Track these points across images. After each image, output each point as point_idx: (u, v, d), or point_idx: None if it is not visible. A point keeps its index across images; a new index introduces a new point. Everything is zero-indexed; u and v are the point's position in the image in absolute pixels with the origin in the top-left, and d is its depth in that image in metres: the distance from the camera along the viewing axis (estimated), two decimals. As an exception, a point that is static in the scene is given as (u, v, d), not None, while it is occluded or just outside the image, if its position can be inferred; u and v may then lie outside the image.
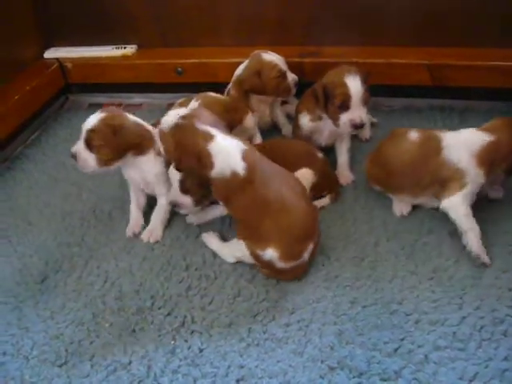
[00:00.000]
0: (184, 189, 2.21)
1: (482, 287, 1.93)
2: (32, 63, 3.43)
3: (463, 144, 2.16)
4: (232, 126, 2.50)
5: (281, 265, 1.96)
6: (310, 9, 3.06)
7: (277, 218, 1.93)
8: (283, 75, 2.69)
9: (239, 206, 1.99)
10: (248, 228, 2.02)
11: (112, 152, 2.22)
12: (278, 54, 2.74)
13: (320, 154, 2.46)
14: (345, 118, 2.39)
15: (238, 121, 2.60)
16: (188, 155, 1.94)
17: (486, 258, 2.03)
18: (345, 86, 2.35)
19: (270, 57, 2.70)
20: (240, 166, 1.92)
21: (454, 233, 2.15)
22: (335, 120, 2.43)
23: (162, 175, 2.34)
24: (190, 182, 2.18)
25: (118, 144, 2.21)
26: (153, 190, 2.40)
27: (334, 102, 2.39)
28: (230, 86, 2.80)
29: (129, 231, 2.39)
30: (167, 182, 2.33)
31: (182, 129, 1.97)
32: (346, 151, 2.62)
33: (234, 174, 1.91)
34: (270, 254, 1.94)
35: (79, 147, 2.20)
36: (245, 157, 1.94)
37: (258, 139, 2.75)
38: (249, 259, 2.04)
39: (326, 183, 2.41)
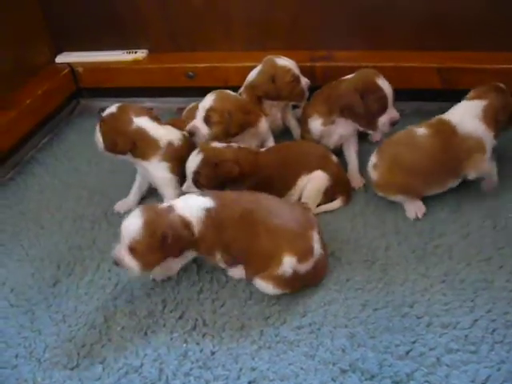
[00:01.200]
0: (196, 181, 2.27)
1: (493, 290, 1.93)
2: (43, 68, 3.45)
3: (468, 114, 2.30)
4: (243, 128, 2.52)
5: (303, 267, 1.93)
6: (320, 13, 3.06)
7: (265, 228, 1.94)
8: (297, 79, 2.69)
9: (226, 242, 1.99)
10: (252, 261, 1.99)
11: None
12: (290, 58, 2.74)
13: (334, 157, 2.47)
14: (384, 118, 2.44)
15: (251, 123, 2.60)
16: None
17: None
18: (380, 88, 2.40)
19: (284, 61, 2.70)
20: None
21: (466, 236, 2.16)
22: (372, 124, 2.47)
23: (167, 179, 2.39)
24: (205, 174, 2.24)
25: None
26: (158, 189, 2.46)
27: (371, 108, 2.42)
28: (241, 90, 2.80)
29: (117, 206, 2.53)
30: (173, 185, 2.39)
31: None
32: (355, 154, 2.63)
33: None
34: (289, 261, 1.90)
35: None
36: None
37: (271, 143, 2.74)
38: (274, 292, 1.98)
39: (339, 186, 2.41)
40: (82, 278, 2.19)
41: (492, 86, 2.39)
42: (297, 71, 2.71)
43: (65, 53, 3.56)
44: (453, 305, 1.89)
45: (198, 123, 2.49)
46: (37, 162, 3.04)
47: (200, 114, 2.50)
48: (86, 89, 3.58)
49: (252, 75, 2.76)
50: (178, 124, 2.54)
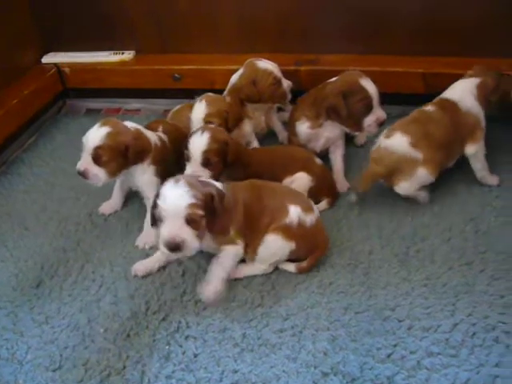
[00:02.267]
0: (207, 163, 2.27)
1: (474, 294, 1.95)
2: (30, 68, 3.44)
3: (466, 92, 2.44)
4: (230, 129, 2.53)
5: (308, 219, 2.07)
6: (308, 17, 3.07)
7: (270, 189, 2.14)
8: (278, 82, 2.71)
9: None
10: (260, 223, 2.06)
11: (120, 165, 2.26)
12: (276, 61, 2.75)
13: (318, 160, 2.51)
14: (369, 119, 2.47)
15: (237, 124, 2.62)
16: None
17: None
18: (364, 89, 2.43)
19: (265, 64, 2.72)
20: None
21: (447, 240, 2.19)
22: (358, 125, 2.50)
23: (152, 181, 2.38)
24: (215, 151, 2.25)
25: (130, 156, 2.25)
26: (140, 192, 2.44)
27: (356, 109, 2.45)
28: (225, 93, 2.81)
29: (101, 209, 2.55)
30: (156, 187, 2.38)
31: None
32: (341, 158, 2.64)
33: None
34: (295, 210, 2.05)
35: (86, 163, 2.22)
36: None
37: (255, 145, 2.76)
38: (282, 252, 2.07)
39: (324, 188, 2.43)
40: (66, 279, 2.19)
41: (488, 67, 2.52)
42: (278, 74, 2.73)
43: (51, 53, 3.55)
44: (434, 308, 1.91)
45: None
46: (22, 163, 3.03)
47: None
48: (73, 89, 3.57)
49: (234, 78, 2.78)
50: (152, 127, 2.53)
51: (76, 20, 3.41)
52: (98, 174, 2.22)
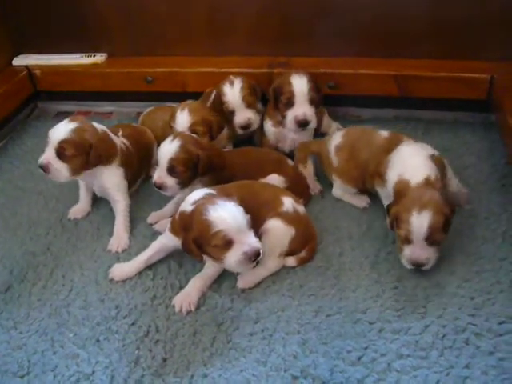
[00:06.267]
0: (172, 171, 2.24)
1: (445, 296, 1.96)
2: (0, 70, 3.39)
3: None
4: (213, 137, 2.55)
5: (300, 208, 2.20)
6: (280, 20, 3.07)
7: (261, 186, 2.26)
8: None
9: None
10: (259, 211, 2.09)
11: (83, 163, 2.25)
12: (248, 64, 2.75)
13: (290, 162, 2.52)
14: (290, 115, 2.54)
15: (220, 132, 2.62)
16: None
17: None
18: (290, 84, 2.51)
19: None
20: None
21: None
22: (283, 118, 2.58)
23: (121, 184, 2.38)
24: (180, 163, 2.23)
25: (92, 155, 2.24)
26: (107, 195, 2.43)
27: (281, 101, 2.55)
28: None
29: (71, 214, 2.52)
30: (125, 190, 2.40)
31: None
32: (311, 161, 2.64)
33: None
34: (288, 200, 2.15)
35: (50, 157, 2.20)
36: None
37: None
38: (284, 238, 2.11)
39: (296, 189, 2.42)
40: (35, 284, 2.16)
41: None
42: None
43: (22, 55, 3.50)
44: (405, 311, 1.92)
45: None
46: (-8, 167, 2.99)
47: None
48: (44, 92, 3.54)
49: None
50: (111, 131, 2.47)
51: (47, 22, 3.37)
52: (61, 169, 2.22)
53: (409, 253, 2.01)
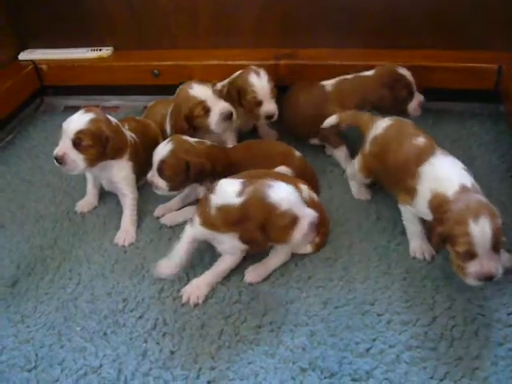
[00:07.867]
0: (161, 173, 2.24)
1: (453, 287, 1.94)
2: (7, 65, 3.39)
3: None
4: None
5: (314, 195, 2.21)
6: (286, 11, 3.05)
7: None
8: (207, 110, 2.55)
9: None
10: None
11: (99, 154, 2.25)
12: (254, 56, 2.74)
13: (297, 153, 2.50)
14: (262, 112, 2.63)
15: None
16: None
17: None
18: (253, 85, 2.59)
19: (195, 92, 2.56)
20: None
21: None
22: (253, 114, 2.67)
23: (130, 178, 2.38)
24: (170, 165, 2.22)
25: (109, 148, 2.25)
26: (116, 189, 2.43)
27: (247, 100, 2.62)
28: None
29: (78, 207, 2.51)
30: (133, 184, 2.41)
31: None
32: None
33: None
34: (304, 187, 2.13)
35: (66, 148, 2.19)
36: None
37: (232, 142, 2.73)
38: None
39: (305, 181, 2.41)
40: (43, 277, 2.16)
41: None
42: (211, 102, 2.54)
43: (28, 50, 3.50)
44: (413, 302, 1.91)
45: None
46: (-1, 161, 3.00)
47: None
48: (51, 86, 3.53)
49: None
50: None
51: (53, 16, 3.37)
52: (77, 160, 2.21)
53: (477, 268, 1.75)
